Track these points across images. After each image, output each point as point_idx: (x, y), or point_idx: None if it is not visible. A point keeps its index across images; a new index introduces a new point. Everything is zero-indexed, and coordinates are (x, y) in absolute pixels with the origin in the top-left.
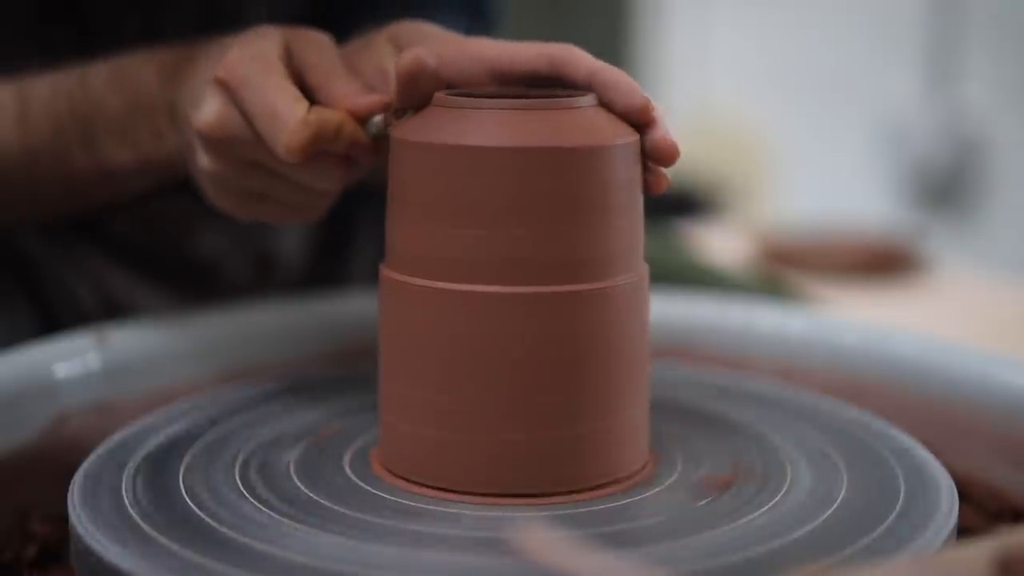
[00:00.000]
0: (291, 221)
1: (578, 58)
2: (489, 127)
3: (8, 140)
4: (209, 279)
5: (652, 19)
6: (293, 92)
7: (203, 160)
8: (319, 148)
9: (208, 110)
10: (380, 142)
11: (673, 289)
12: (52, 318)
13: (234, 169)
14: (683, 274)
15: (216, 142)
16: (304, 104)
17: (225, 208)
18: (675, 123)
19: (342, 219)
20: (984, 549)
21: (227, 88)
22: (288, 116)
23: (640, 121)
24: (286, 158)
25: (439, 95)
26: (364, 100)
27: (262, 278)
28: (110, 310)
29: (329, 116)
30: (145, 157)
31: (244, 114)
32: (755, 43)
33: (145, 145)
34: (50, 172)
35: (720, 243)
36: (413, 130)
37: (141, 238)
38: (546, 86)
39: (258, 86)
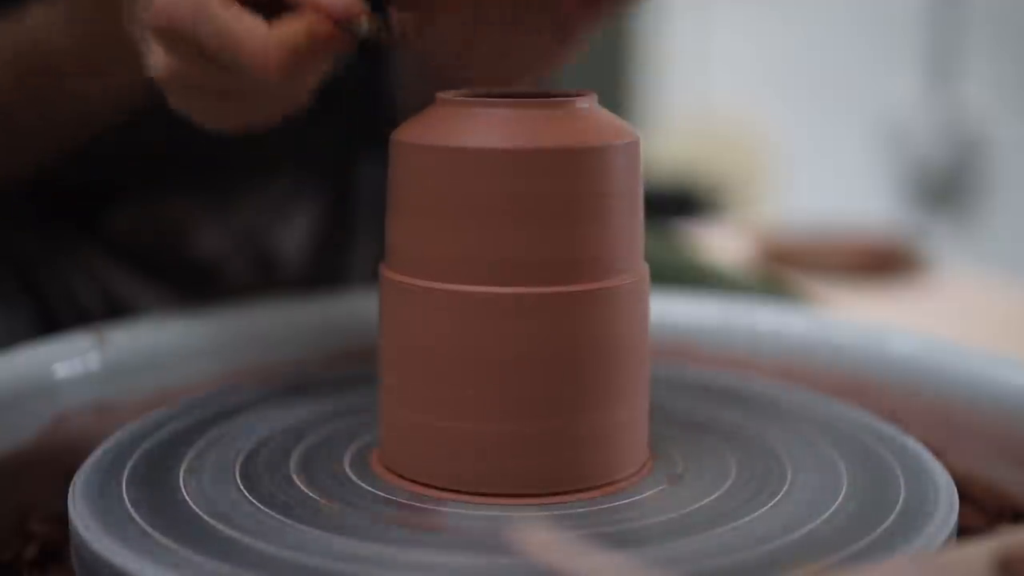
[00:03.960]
0: (286, 113)
1: None
2: (488, 128)
3: None
4: (210, 279)
5: (652, 19)
6: (244, 16)
7: (174, 103)
8: (298, 62)
9: (156, 63)
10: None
11: (673, 289)
12: (52, 318)
13: (208, 101)
14: (683, 274)
15: (178, 88)
16: (260, 23)
17: (218, 127)
18: (675, 124)
19: (342, 219)
20: (984, 549)
21: (167, 34)
22: (250, 40)
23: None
24: (265, 79)
25: (440, 96)
26: (336, 3)
27: (263, 278)
28: (111, 310)
29: (292, 30)
30: (120, 84)
31: (200, 53)
32: (755, 43)
33: (116, 75)
34: (28, 120)
35: (720, 243)
36: (413, 132)
37: (141, 238)
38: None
39: (200, 21)
